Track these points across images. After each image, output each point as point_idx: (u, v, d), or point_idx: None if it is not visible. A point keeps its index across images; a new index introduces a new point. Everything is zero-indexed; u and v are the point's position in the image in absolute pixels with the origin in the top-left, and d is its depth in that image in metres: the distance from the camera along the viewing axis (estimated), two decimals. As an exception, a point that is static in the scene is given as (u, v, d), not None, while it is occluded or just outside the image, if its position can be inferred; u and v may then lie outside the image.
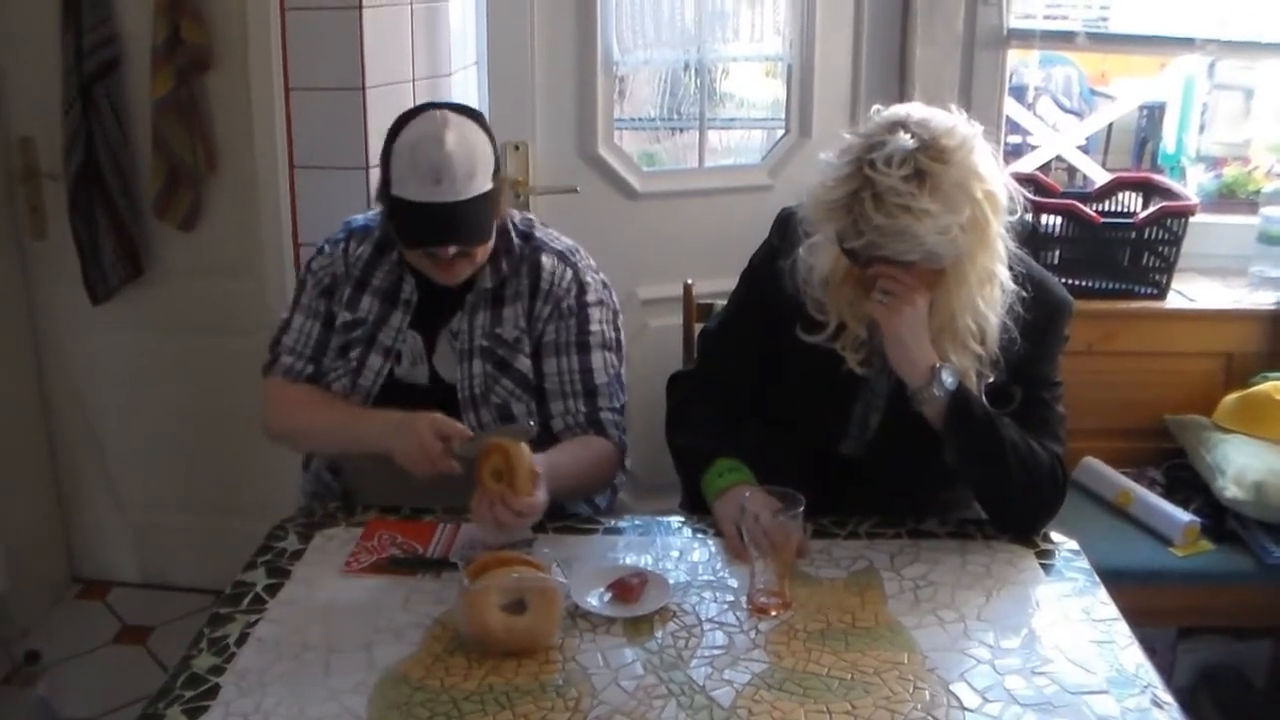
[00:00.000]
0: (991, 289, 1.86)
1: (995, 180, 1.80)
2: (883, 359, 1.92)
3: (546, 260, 2.08)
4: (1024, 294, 1.88)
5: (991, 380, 1.91)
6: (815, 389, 2.01)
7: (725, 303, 2.20)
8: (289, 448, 2.25)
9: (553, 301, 2.07)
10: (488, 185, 1.94)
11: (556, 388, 2.08)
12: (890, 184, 1.71)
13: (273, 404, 2.14)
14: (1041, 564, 1.86)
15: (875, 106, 1.85)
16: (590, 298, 2.10)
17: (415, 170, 1.90)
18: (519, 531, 1.88)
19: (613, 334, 2.13)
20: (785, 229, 2.04)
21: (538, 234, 2.13)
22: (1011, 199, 1.84)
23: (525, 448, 1.81)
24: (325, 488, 2.16)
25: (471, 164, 1.91)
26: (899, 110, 1.81)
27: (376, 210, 2.09)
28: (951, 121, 1.79)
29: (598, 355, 2.09)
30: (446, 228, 1.93)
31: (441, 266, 1.99)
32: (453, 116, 1.95)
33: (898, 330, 1.83)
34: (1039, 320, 1.92)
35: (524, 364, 2.07)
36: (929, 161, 1.72)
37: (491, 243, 2.02)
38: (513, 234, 2.09)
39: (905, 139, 1.73)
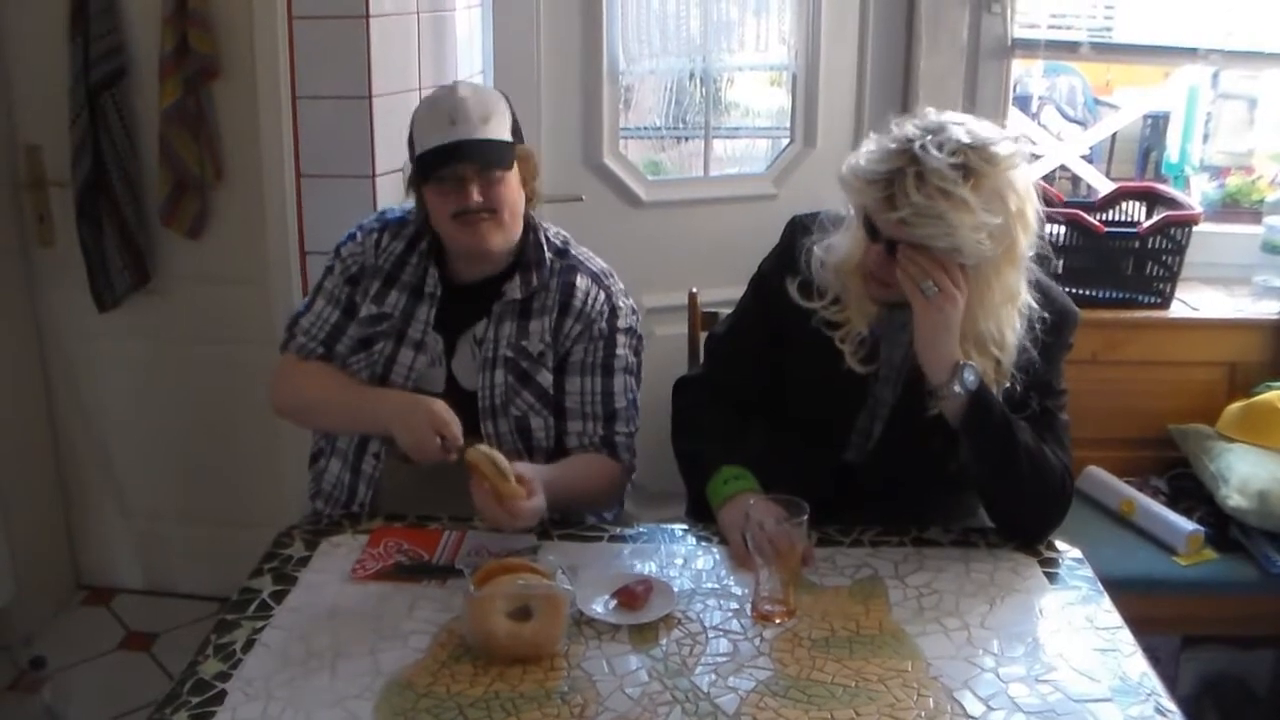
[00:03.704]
0: (1013, 308, 1.87)
1: (1030, 203, 1.83)
2: (889, 359, 1.96)
3: (581, 280, 2.10)
4: (1045, 316, 1.90)
5: (1009, 386, 1.92)
6: (820, 395, 2.01)
7: (733, 308, 2.21)
8: (295, 422, 2.26)
9: (583, 322, 2.09)
10: (506, 135, 2.00)
11: (577, 407, 2.10)
12: (937, 166, 1.73)
13: (283, 377, 2.17)
14: (1045, 572, 1.86)
15: (929, 109, 1.88)
16: (621, 323, 2.12)
17: (433, 117, 1.97)
18: (522, 539, 1.90)
19: (634, 360, 2.16)
20: (795, 236, 2.05)
21: (573, 251, 2.15)
22: (1040, 225, 1.86)
23: (499, 457, 1.85)
24: (336, 488, 2.15)
25: (486, 109, 1.97)
26: (955, 114, 1.85)
27: (411, 204, 2.12)
28: (1005, 135, 1.83)
29: (619, 379, 2.12)
30: (463, 154, 1.96)
31: (469, 227, 1.99)
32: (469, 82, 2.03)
33: (935, 325, 1.82)
34: (1047, 338, 1.93)
35: (546, 378, 2.08)
36: (978, 160, 1.75)
37: (521, 206, 2.05)
38: (545, 248, 2.10)
39: (960, 132, 1.77)
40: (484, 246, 2.02)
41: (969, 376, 1.83)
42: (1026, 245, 1.84)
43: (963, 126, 1.79)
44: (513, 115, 2.05)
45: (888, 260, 1.83)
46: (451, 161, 1.96)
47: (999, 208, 1.76)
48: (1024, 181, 1.82)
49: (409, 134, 2.04)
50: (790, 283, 1.99)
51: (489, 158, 1.97)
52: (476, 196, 1.97)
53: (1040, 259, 1.91)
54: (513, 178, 2.01)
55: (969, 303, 1.84)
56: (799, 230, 2.05)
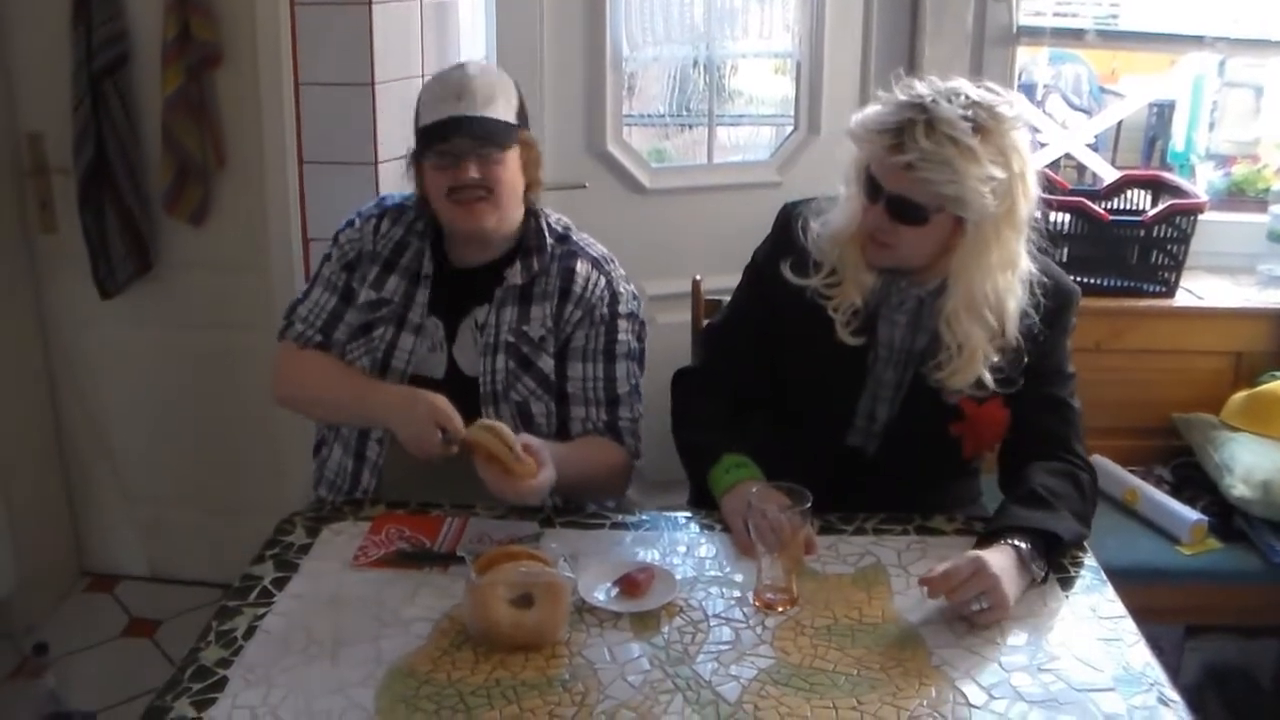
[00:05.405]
0: (1013, 275, 1.88)
1: (1031, 168, 1.86)
2: (887, 339, 1.96)
3: (581, 266, 2.09)
4: (1044, 281, 1.91)
5: (1002, 366, 1.91)
6: (818, 377, 2.01)
7: (729, 299, 2.20)
8: (296, 411, 2.25)
9: (584, 307, 2.08)
10: (510, 117, 1.99)
11: (579, 392, 2.09)
12: (947, 115, 1.77)
13: (283, 368, 2.16)
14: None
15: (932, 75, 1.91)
16: (621, 308, 2.11)
17: (441, 91, 1.98)
18: (525, 526, 1.90)
19: (637, 345, 2.15)
20: (788, 224, 2.04)
21: (574, 237, 2.15)
22: (1039, 197, 1.88)
23: (505, 431, 1.84)
24: (340, 475, 2.14)
25: (492, 90, 1.98)
26: (960, 79, 1.88)
27: (411, 190, 2.12)
28: (1009, 100, 1.86)
29: (622, 365, 2.11)
30: (462, 129, 1.95)
31: (464, 206, 1.99)
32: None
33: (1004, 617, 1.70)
34: (1048, 309, 1.93)
35: (547, 364, 2.07)
36: (987, 116, 1.80)
37: (519, 190, 2.04)
38: (546, 233, 2.10)
39: (970, 90, 1.82)
40: (478, 225, 2.01)
41: (1036, 566, 1.75)
42: (1026, 211, 1.86)
43: (972, 88, 1.84)
44: (521, 101, 2.05)
45: (888, 221, 1.85)
46: (450, 136, 1.96)
47: (1004, 164, 1.80)
48: (1026, 146, 1.86)
49: (415, 109, 2.03)
50: (784, 264, 2.00)
51: (487, 134, 1.96)
52: (473, 173, 1.97)
53: (1036, 231, 1.92)
54: (511, 159, 2.00)
55: (964, 260, 1.85)
56: (792, 216, 2.05)
